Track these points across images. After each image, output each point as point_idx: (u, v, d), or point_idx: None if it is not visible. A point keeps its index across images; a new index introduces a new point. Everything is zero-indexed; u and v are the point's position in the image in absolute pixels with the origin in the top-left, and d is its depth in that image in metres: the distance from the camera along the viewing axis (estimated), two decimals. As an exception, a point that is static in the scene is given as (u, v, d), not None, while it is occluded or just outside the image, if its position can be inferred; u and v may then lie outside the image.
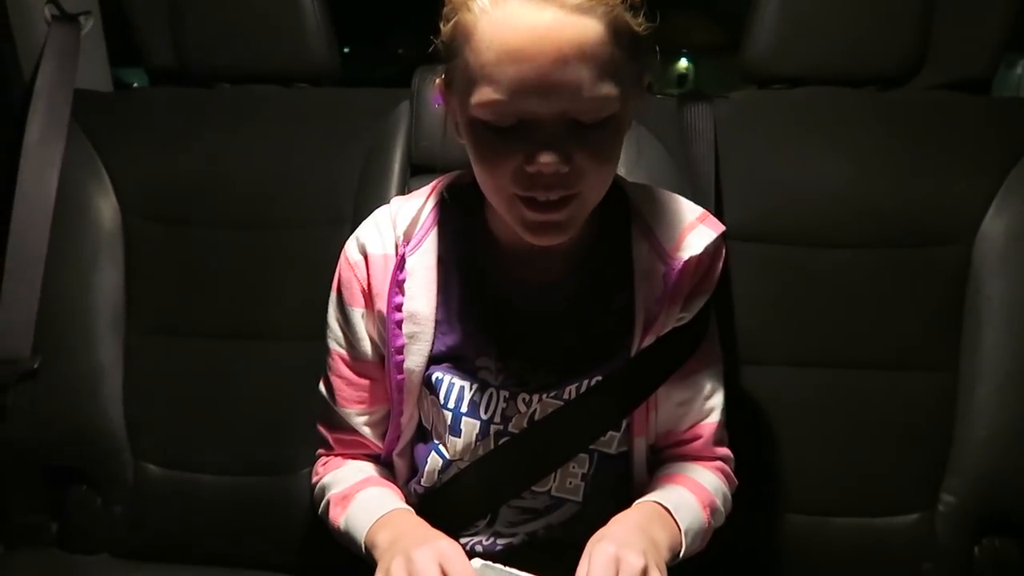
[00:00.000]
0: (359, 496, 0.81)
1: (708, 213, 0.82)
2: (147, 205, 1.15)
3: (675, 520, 0.76)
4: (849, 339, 1.04)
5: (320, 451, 0.90)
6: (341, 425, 0.85)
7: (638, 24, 0.68)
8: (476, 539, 0.82)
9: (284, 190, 1.12)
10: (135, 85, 1.70)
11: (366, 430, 0.85)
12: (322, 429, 0.88)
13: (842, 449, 1.04)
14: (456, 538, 0.72)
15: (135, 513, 1.12)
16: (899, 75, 1.09)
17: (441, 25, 0.70)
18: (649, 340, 0.79)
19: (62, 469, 1.13)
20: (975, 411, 1.01)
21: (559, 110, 0.65)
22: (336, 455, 0.88)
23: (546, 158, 0.65)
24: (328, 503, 0.84)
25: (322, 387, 0.87)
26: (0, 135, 1.19)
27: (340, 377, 0.84)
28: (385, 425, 0.85)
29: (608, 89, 0.65)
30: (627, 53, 0.67)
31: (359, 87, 1.22)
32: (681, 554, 0.75)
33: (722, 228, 0.81)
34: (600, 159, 0.69)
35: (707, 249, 0.78)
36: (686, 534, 0.76)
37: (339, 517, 0.81)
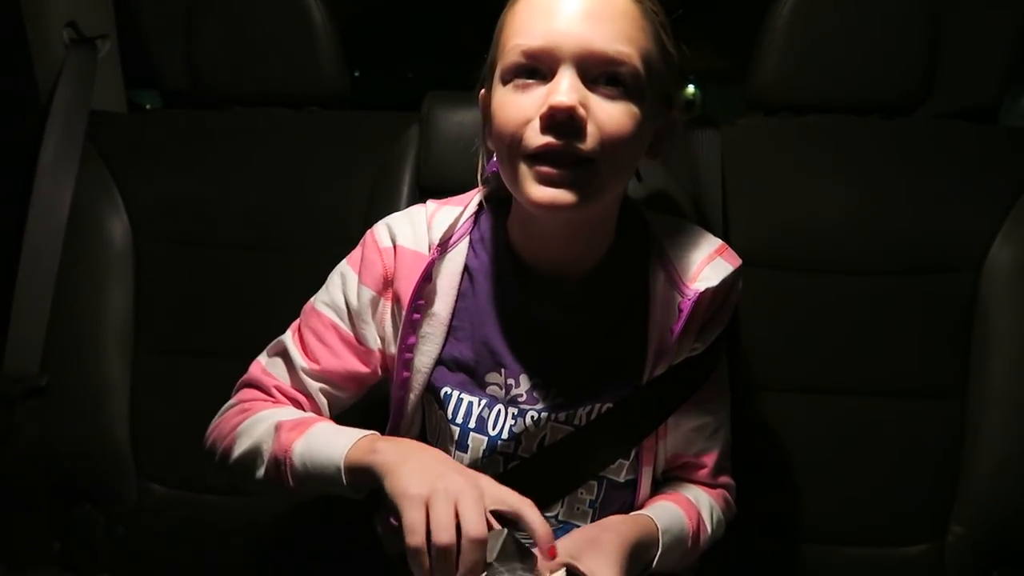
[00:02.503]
0: (318, 424, 0.77)
1: (727, 246, 0.83)
2: (158, 225, 1.16)
3: (656, 525, 0.77)
4: (856, 366, 1.03)
5: (244, 391, 0.85)
6: (296, 384, 0.83)
7: (671, 42, 0.74)
8: None
9: (294, 212, 1.13)
10: (148, 107, 1.72)
11: (320, 398, 0.82)
12: (263, 376, 0.84)
13: (849, 477, 1.03)
14: None
15: (138, 533, 1.12)
16: (905, 103, 1.09)
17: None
18: (661, 368, 0.79)
19: (66, 488, 1.13)
20: (983, 440, 1.00)
21: (580, 62, 0.68)
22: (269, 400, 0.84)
23: (561, 94, 0.67)
24: (276, 428, 0.77)
25: (290, 341, 0.83)
26: (16, 155, 1.21)
27: (325, 345, 0.82)
28: (343, 404, 0.84)
29: (627, 50, 0.69)
30: (654, 48, 0.72)
31: (369, 110, 1.23)
32: (657, 556, 0.76)
33: (739, 262, 0.82)
34: (614, 124, 0.69)
35: (724, 281, 0.78)
36: (664, 533, 0.77)
37: (293, 441, 0.75)
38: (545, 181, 0.69)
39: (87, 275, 1.15)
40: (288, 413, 0.80)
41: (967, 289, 1.02)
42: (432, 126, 1.07)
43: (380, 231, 0.82)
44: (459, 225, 0.81)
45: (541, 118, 0.68)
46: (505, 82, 0.71)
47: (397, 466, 0.67)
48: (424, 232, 0.80)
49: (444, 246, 0.80)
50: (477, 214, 0.83)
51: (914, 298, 1.03)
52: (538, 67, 0.69)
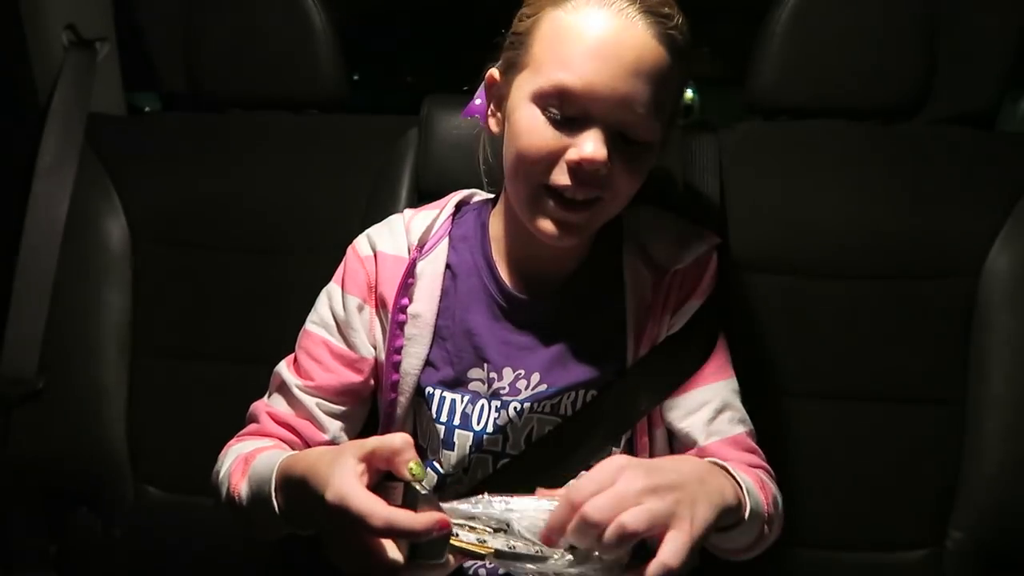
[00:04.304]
0: (263, 454, 0.73)
1: (702, 228, 0.85)
2: (156, 228, 1.16)
3: (737, 482, 0.66)
4: (854, 371, 1.03)
5: (241, 432, 0.82)
6: (292, 405, 0.81)
7: (689, 67, 0.75)
8: (479, 562, 0.81)
9: (292, 215, 1.13)
10: (147, 109, 1.72)
11: (319, 413, 0.80)
12: (257, 406, 0.82)
13: (849, 482, 1.03)
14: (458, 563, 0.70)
15: (135, 536, 1.11)
16: (904, 108, 1.09)
17: (517, 19, 0.75)
18: (643, 350, 0.80)
19: (63, 491, 1.13)
20: (982, 446, 1.00)
21: (614, 116, 0.70)
22: (251, 434, 0.81)
23: (594, 151, 0.69)
24: (228, 476, 0.75)
25: (285, 369, 0.82)
26: (15, 157, 1.21)
27: (318, 361, 0.81)
28: (340, 424, 0.82)
29: (657, 114, 0.71)
30: (676, 93, 0.74)
31: (368, 114, 1.23)
32: (745, 518, 0.65)
33: (716, 240, 0.84)
34: (631, 176, 0.73)
35: (696, 259, 0.81)
36: (748, 492, 0.66)
37: (239, 484, 0.72)
38: (556, 217, 0.72)
39: (85, 278, 1.15)
40: (243, 447, 0.78)
41: (966, 294, 1.02)
42: (431, 130, 1.07)
43: (360, 242, 0.84)
44: (437, 226, 0.84)
45: (568, 163, 0.70)
46: (535, 103, 0.71)
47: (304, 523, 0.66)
48: (403, 236, 0.83)
49: (423, 247, 0.82)
50: (455, 215, 0.85)
51: (913, 303, 1.03)
52: (573, 105, 0.70)
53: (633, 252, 0.82)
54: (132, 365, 1.14)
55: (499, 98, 0.77)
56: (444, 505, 0.60)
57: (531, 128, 0.71)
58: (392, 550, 0.58)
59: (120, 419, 1.12)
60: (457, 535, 0.59)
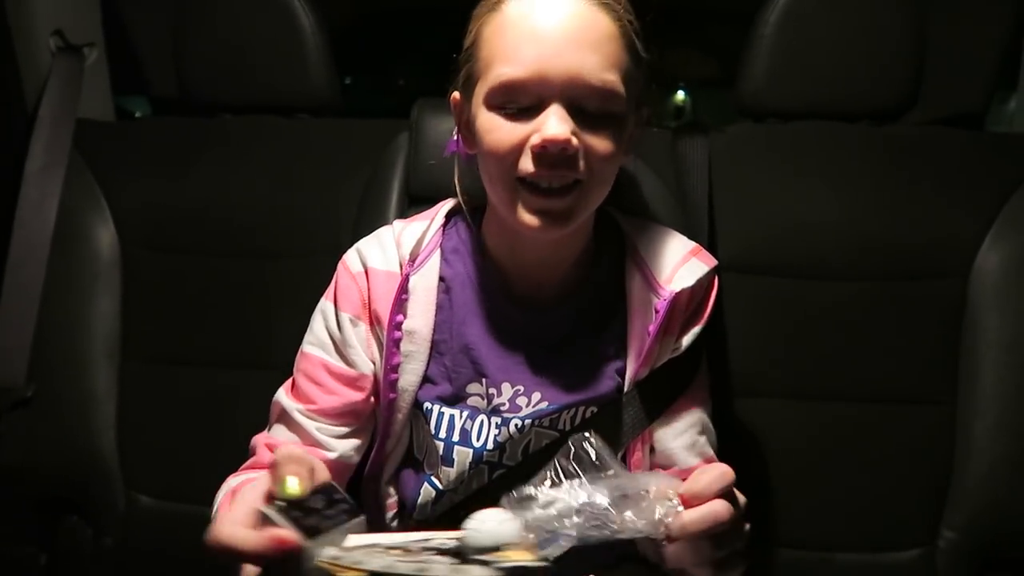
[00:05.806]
0: (246, 487, 0.68)
1: (701, 247, 0.84)
2: (146, 234, 1.15)
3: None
4: (845, 372, 1.03)
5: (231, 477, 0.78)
6: (294, 431, 0.78)
7: (642, 47, 0.73)
8: None
9: (283, 220, 1.13)
10: (137, 114, 1.71)
11: (321, 437, 0.78)
12: (255, 441, 0.80)
13: (839, 483, 1.03)
14: None
15: (126, 544, 1.11)
16: (893, 110, 1.10)
17: (465, 38, 0.75)
18: (644, 371, 0.79)
19: (53, 499, 1.12)
20: (973, 446, 1.00)
21: (569, 93, 0.68)
22: (247, 468, 0.78)
23: (555, 128, 0.67)
24: (216, 513, 0.72)
25: (284, 396, 0.80)
26: (2, 163, 1.20)
27: (318, 384, 0.79)
28: (348, 444, 0.80)
29: (614, 79, 0.69)
30: (632, 63, 0.72)
31: (359, 118, 1.23)
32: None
33: (714, 262, 0.83)
34: (605, 154, 0.71)
35: (699, 282, 0.80)
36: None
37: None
38: (536, 208, 0.71)
39: (74, 284, 1.14)
40: (232, 483, 0.75)
41: (956, 294, 1.02)
42: (421, 134, 1.07)
43: (350, 257, 0.82)
44: (428, 239, 0.82)
45: (533, 149, 0.69)
46: (490, 106, 0.71)
47: None
48: (394, 251, 0.81)
49: (415, 260, 0.80)
50: (445, 226, 0.84)
51: (903, 304, 1.03)
52: (526, 94, 0.69)
53: (634, 270, 0.81)
54: (122, 372, 1.13)
55: (465, 117, 0.77)
56: (391, 537, 0.55)
57: (491, 127, 0.71)
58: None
59: (110, 427, 1.12)
60: (337, 559, 0.51)
